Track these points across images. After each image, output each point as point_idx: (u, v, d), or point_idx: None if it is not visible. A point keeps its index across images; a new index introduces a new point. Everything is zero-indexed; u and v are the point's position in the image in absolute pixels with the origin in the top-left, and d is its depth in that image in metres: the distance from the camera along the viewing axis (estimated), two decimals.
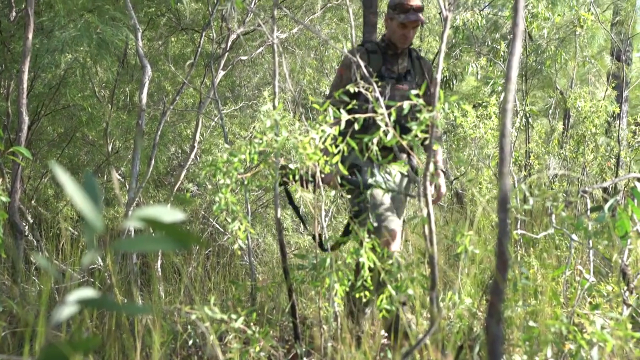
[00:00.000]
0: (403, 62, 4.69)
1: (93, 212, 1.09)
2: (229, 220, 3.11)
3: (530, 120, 8.99)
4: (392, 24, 4.56)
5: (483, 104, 10.12)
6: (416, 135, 2.78)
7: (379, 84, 4.51)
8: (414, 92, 3.00)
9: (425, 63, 4.81)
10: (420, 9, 4.55)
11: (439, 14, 3.50)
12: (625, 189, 8.94)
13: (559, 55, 9.88)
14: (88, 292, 1.13)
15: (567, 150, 9.10)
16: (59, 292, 5.46)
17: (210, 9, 7.21)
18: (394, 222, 4.42)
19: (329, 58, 10.72)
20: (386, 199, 4.50)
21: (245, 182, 3.20)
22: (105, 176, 8.75)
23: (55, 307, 4.65)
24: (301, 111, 10.79)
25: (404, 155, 4.57)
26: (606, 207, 3.13)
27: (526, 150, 8.94)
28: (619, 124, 9.67)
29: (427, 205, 2.73)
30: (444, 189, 4.72)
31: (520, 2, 1.66)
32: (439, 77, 2.80)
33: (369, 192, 4.28)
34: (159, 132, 6.20)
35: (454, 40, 12.99)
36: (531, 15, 9.12)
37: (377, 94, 3.22)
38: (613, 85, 10.01)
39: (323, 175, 4.17)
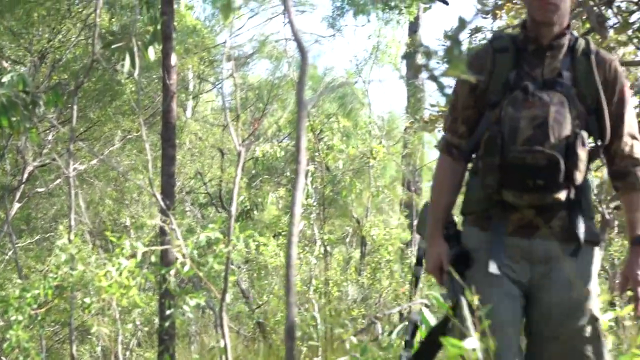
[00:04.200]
0: (554, 62, 2.90)
1: None
2: (21, 359, 3.03)
3: (328, 248, 9.28)
4: None
5: (283, 233, 10.36)
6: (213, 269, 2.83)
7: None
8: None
9: (603, 61, 2.90)
10: None
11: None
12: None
13: (354, 186, 10.31)
14: None
15: (364, 277, 9.41)
16: None
17: (5, 141, 7.09)
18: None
19: (129, 189, 10.66)
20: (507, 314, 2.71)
21: (40, 318, 3.13)
22: None
23: None
24: (99, 243, 10.61)
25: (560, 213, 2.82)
26: (395, 332, 3.29)
27: (325, 278, 9.15)
28: (412, 250, 10.17)
29: (223, 335, 2.77)
30: None
31: (302, 142, 1.79)
32: (233, 209, 2.88)
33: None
34: None
35: (254, 171, 13.33)
36: (327, 147, 9.57)
37: None
38: (405, 213, 10.58)
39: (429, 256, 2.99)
